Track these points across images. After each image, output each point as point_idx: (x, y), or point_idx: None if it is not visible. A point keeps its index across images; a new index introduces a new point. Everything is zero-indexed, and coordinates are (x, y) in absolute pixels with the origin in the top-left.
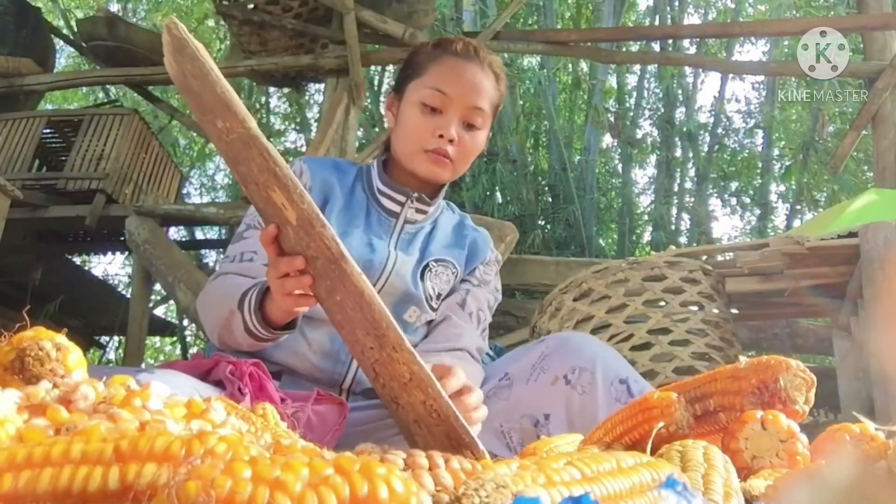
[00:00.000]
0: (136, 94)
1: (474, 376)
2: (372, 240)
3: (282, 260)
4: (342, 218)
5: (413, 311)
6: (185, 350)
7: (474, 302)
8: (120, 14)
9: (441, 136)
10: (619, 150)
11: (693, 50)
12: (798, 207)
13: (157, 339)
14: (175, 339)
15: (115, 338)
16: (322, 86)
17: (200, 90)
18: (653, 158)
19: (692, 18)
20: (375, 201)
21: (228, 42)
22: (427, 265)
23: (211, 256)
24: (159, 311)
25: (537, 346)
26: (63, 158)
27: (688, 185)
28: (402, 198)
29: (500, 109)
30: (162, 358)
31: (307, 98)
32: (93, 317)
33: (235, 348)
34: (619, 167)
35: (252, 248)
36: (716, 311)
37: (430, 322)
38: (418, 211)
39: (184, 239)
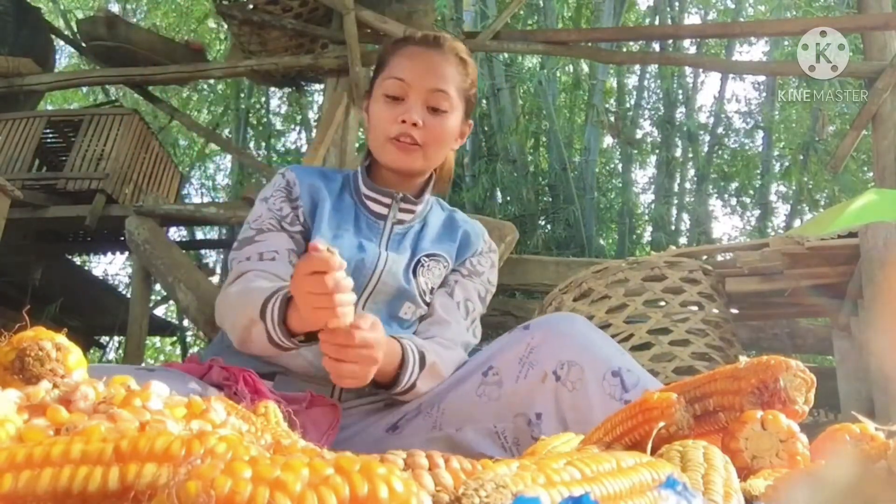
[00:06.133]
0: (136, 94)
1: (448, 360)
2: (362, 242)
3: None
4: (332, 221)
5: (408, 308)
6: (184, 350)
7: (462, 292)
8: (120, 14)
9: (403, 122)
10: (619, 150)
11: (693, 50)
12: (798, 207)
13: (157, 339)
14: (175, 339)
15: (115, 338)
16: (322, 86)
17: None
18: (653, 158)
19: (692, 18)
20: (363, 205)
21: (228, 42)
22: (419, 261)
23: (211, 256)
24: (159, 311)
25: (523, 336)
26: (63, 158)
27: (688, 185)
28: (387, 200)
29: (474, 94)
30: (162, 358)
31: (307, 98)
32: (93, 317)
33: (256, 354)
34: (619, 167)
35: (272, 248)
36: (716, 311)
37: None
38: (405, 211)
39: (184, 239)
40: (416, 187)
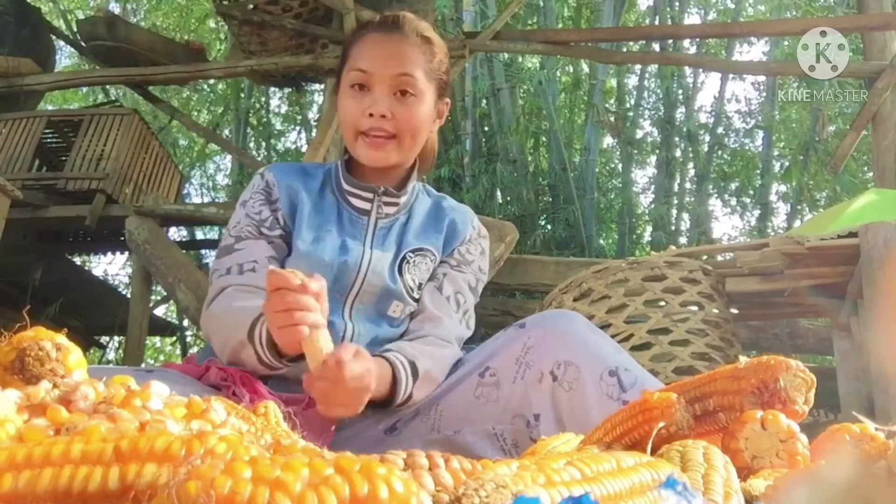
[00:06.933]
0: (136, 94)
1: (443, 362)
2: (346, 241)
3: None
4: (313, 222)
5: (396, 306)
6: (184, 350)
7: (451, 285)
8: (120, 14)
9: (371, 115)
10: (619, 150)
11: (693, 50)
12: (798, 207)
13: (157, 339)
14: (175, 339)
15: (115, 338)
16: (322, 86)
17: None
18: (653, 158)
19: (692, 18)
20: (345, 201)
21: (228, 42)
22: (404, 257)
23: (211, 256)
24: (159, 311)
25: (519, 336)
26: (63, 158)
27: (688, 185)
28: (369, 194)
29: (445, 72)
30: (162, 358)
31: (307, 98)
32: (93, 317)
33: (248, 369)
34: (619, 167)
35: (252, 258)
36: (716, 311)
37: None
38: (389, 204)
39: (184, 239)
40: (398, 178)
